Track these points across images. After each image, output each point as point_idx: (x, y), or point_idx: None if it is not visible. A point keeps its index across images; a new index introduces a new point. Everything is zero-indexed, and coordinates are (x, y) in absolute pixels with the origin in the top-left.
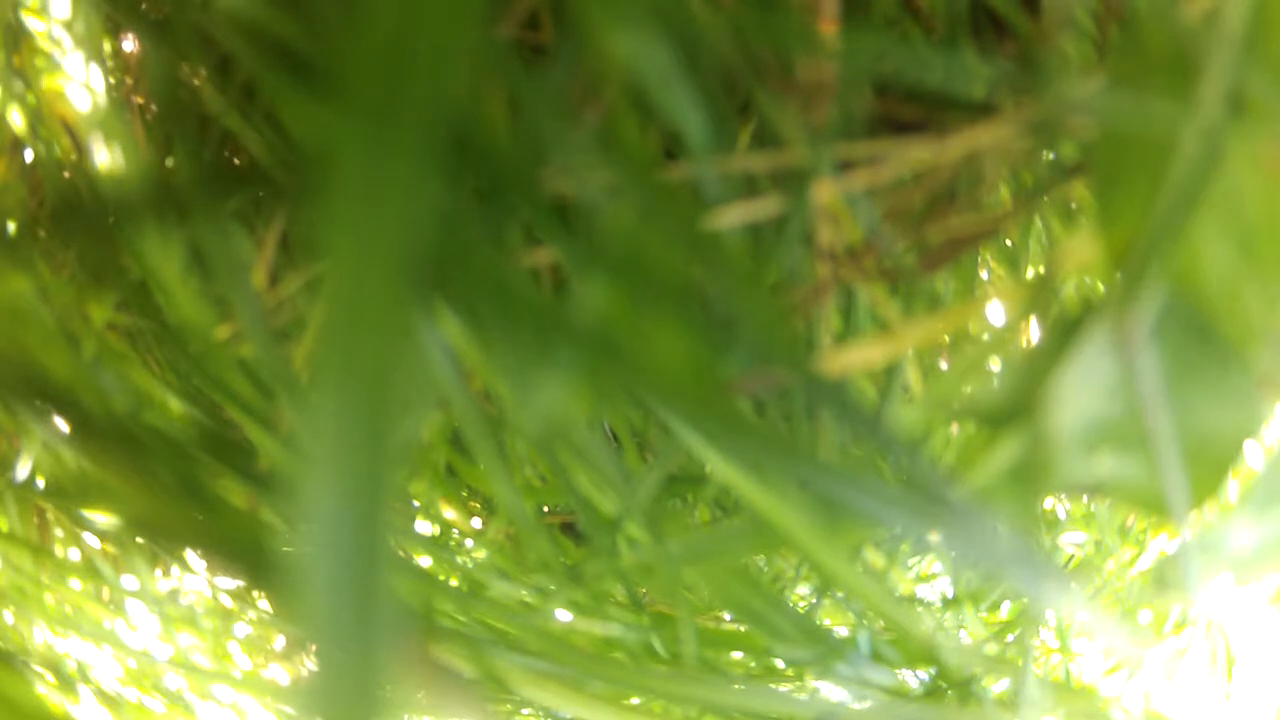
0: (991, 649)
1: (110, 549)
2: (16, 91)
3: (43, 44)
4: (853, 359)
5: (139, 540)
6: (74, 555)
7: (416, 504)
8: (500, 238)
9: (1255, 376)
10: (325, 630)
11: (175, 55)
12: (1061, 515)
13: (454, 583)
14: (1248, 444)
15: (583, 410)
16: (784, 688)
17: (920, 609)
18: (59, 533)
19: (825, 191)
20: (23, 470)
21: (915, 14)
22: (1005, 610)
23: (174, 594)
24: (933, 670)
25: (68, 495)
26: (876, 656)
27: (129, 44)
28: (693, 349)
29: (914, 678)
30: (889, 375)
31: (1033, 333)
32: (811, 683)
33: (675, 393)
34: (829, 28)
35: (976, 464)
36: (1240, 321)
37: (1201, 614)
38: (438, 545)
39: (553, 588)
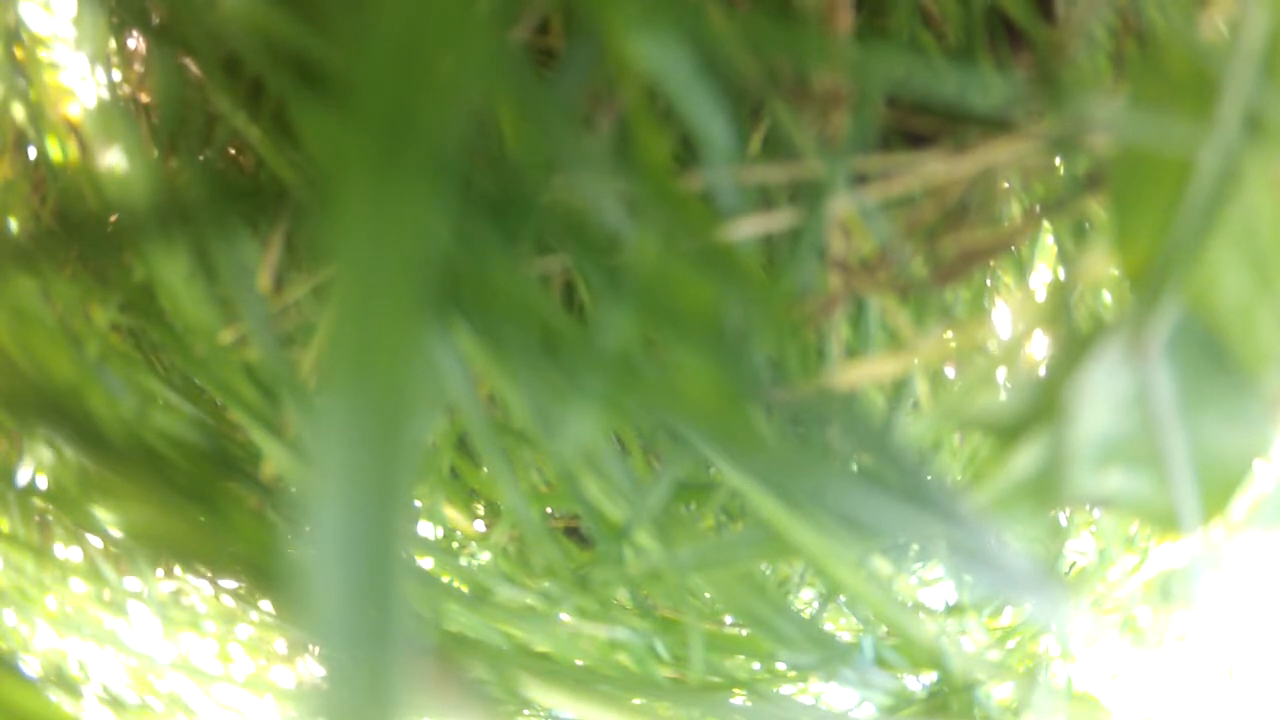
0: (994, 655)
1: (112, 549)
2: (20, 89)
3: (47, 41)
4: (863, 373)
5: (142, 546)
6: (76, 556)
7: (419, 505)
8: (513, 247)
9: (1266, 398)
10: (337, 636)
11: (181, 54)
12: (1064, 523)
13: (459, 586)
14: (1257, 464)
15: (604, 430)
16: (787, 690)
17: (923, 615)
18: (59, 532)
19: (841, 206)
20: (24, 473)
21: (929, 22)
22: (1008, 616)
23: (176, 595)
24: (936, 675)
25: (70, 499)
26: (880, 661)
27: (134, 41)
28: (714, 370)
29: (917, 683)
30: (898, 386)
31: (1040, 346)
32: (815, 687)
33: (696, 413)
34: (843, 28)
35: (987, 476)
36: (1253, 343)
37: (1203, 624)
38: (442, 549)
39: (558, 592)
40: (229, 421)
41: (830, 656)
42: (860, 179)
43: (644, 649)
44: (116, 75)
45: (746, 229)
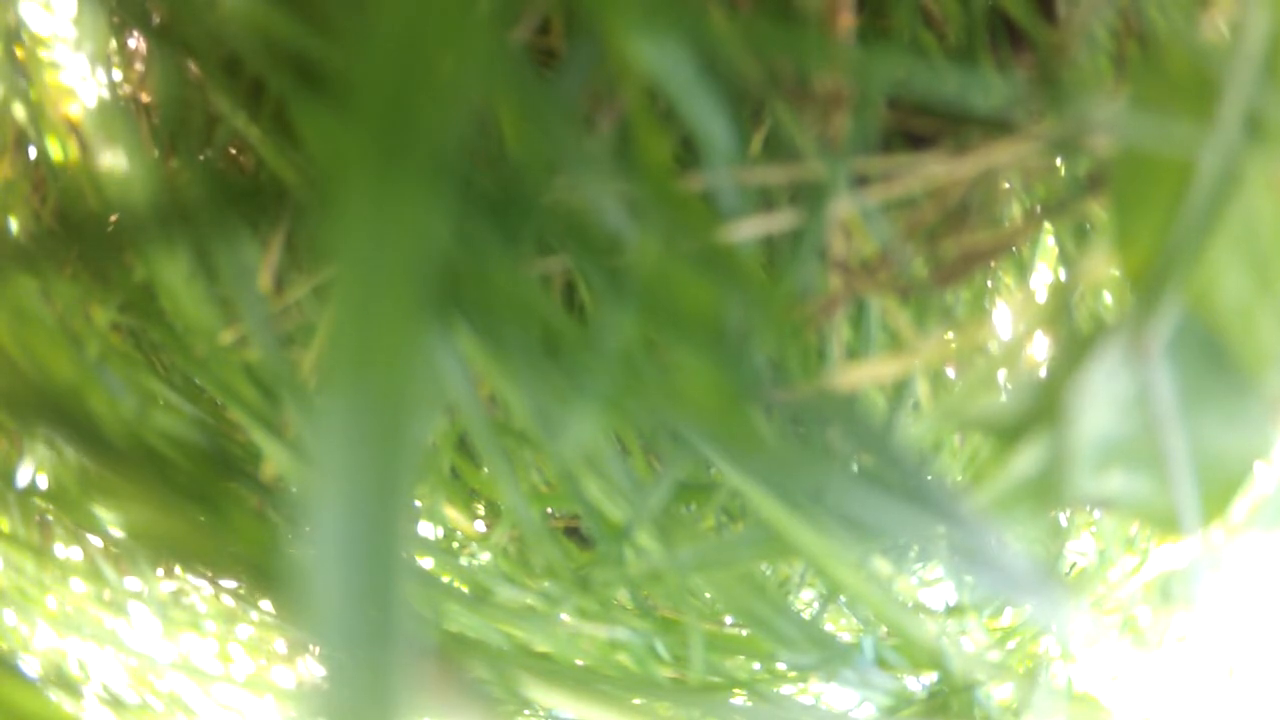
0: (994, 655)
1: (113, 549)
2: (20, 88)
3: (47, 41)
4: (864, 374)
5: (142, 546)
6: (76, 556)
7: (420, 505)
8: (513, 247)
9: (1267, 399)
10: (337, 636)
11: (181, 54)
12: (1064, 524)
13: (459, 586)
14: (1257, 465)
15: (605, 430)
16: (787, 691)
17: (924, 615)
18: (59, 532)
19: (842, 207)
20: (25, 473)
21: (930, 23)
22: (1008, 617)
23: (177, 595)
24: (936, 676)
25: (71, 499)
26: (880, 662)
27: (134, 41)
28: (715, 371)
29: (918, 683)
30: (899, 387)
31: (1041, 347)
32: (816, 687)
33: (697, 413)
34: (845, 29)
35: (988, 477)
36: (1253, 344)
37: (1203, 625)
38: (442, 549)
39: (558, 592)
40: (229, 421)
41: (830, 657)
42: (861, 180)
43: (644, 649)
44: (117, 75)
45: (747, 230)
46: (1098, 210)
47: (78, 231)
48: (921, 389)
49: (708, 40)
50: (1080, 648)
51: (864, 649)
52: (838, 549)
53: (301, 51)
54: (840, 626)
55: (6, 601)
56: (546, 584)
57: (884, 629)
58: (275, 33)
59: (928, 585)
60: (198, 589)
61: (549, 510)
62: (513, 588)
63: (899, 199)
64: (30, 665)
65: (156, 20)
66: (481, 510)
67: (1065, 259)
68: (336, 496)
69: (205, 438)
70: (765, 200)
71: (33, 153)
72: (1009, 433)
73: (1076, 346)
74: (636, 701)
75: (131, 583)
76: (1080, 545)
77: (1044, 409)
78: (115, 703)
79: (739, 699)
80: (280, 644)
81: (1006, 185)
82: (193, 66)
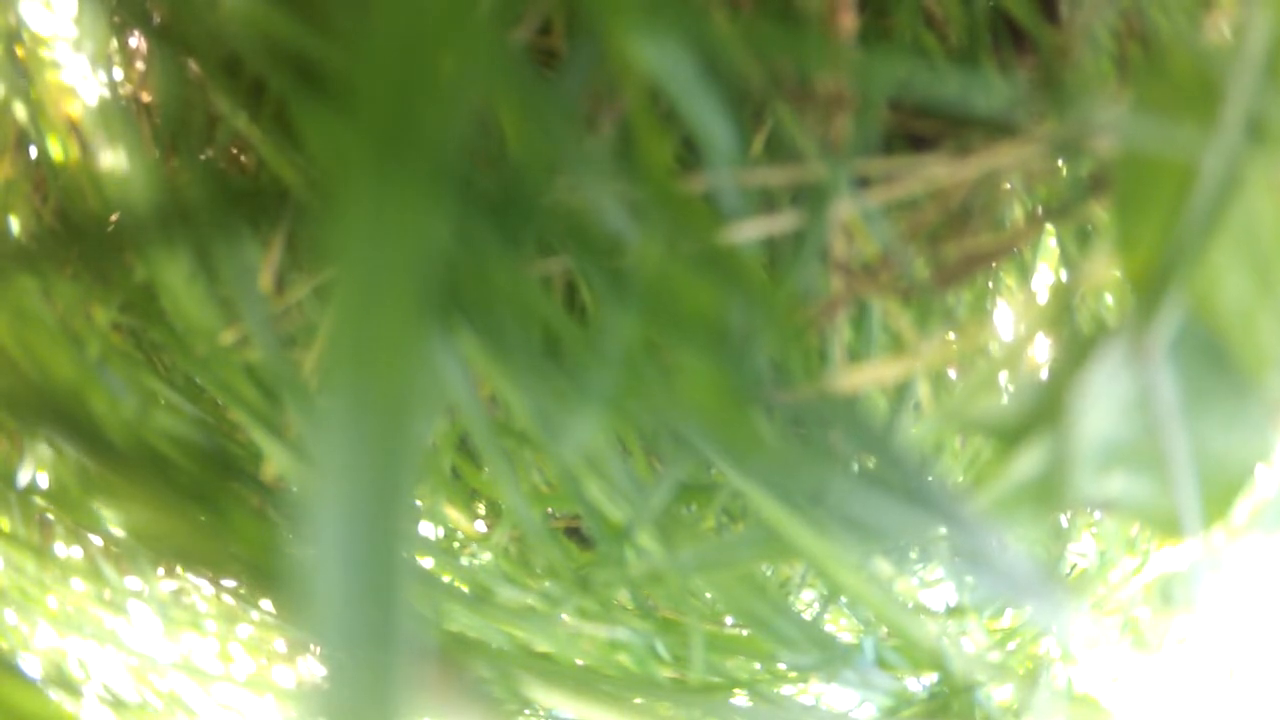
0: (995, 656)
1: (113, 549)
2: (21, 88)
3: (48, 40)
4: (866, 376)
5: (143, 545)
6: (76, 555)
7: (420, 505)
8: (514, 248)
9: (1268, 402)
10: (338, 636)
11: (182, 53)
12: (1065, 525)
13: (460, 586)
14: (1258, 468)
15: (606, 431)
16: (787, 691)
17: (924, 616)
18: (60, 532)
19: (844, 208)
20: (25, 473)
21: (932, 24)
22: (1009, 618)
23: (177, 594)
24: (937, 677)
25: (71, 498)
26: (881, 662)
27: (135, 40)
28: (716, 372)
29: (918, 684)
30: (900, 388)
31: (1043, 348)
32: (816, 687)
33: (698, 414)
34: (846, 30)
35: (989, 478)
36: (1254, 347)
37: (1204, 627)
38: (443, 549)
39: (559, 593)
40: (230, 421)
41: (831, 657)
42: (863, 181)
43: (645, 649)
44: (118, 75)
45: (749, 231)
46: (1100, 212)
47: (78, 231)
48: (923, 391)
49: (709, 41)
50: (1081, 649)
51: (865, 650)
52: (839, 550)
53: (302, 51)
54: (841, 627)
55: (6, 601)
56: (547, 584)
57: (885, 630)
58: (275, 33)
59: (928, 586)
60: (198, 589)
61: (550, 510)
62: (513, 588)
63: (901, 200)
64: (30, 665)
65: (157, 20)
66: (482, 510)
67: (1067, 261)
68: (337, 496)
69: (206, 438)
70: (767, 201)
71: (33, 152)
72: (1010, 434)
73: (1078, 348)
74: (636, 701)
75: (132, 582)
76: (1081, 547)
77: (1045, 411)
78: (115, 702)
79: (739, 699)
80: (280, 644)
81: (1008, 187)
82: (193, 66)
